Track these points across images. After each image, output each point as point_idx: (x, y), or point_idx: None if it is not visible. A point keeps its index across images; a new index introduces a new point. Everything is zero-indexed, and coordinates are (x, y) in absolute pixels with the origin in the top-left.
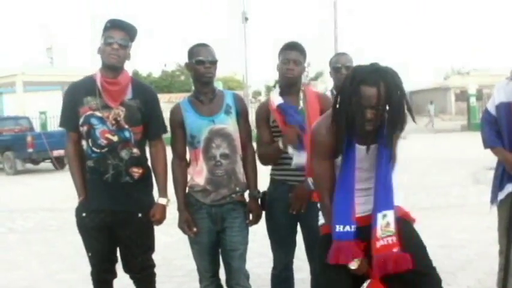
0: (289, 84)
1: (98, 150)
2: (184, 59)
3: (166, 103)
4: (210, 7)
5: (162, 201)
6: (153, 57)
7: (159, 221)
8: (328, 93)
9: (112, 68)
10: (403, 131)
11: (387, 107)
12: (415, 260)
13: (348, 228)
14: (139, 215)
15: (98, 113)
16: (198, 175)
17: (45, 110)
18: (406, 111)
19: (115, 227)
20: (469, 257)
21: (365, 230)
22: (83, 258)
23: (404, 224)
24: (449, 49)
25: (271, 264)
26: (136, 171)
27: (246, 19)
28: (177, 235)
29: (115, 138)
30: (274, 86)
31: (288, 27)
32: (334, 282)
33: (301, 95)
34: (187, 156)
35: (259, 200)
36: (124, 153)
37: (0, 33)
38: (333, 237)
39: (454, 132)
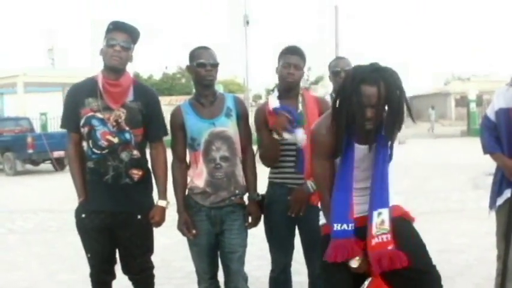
0: (289, 88)
1: (98, 152)
2: (185, 62)
3: (166, 105)
4: (211, 10)
5: (161, 203)
6: (154, 59)
7: (159, 223)
8: (328, 97)
9: (114, 70)
10: (400, 130)
11: (387, 106)
12: (414, 258)
13: (345, 226)
14: (139, 216)
15: (99, 115)
16: (198, 177)
17: (45, 111)
18: (405, 110)
19: (114, 228)
20: (468, 262)
21: (363, 230)
22: (82, 259)
23: (403, 223)
24: (449, 53)
25: (270, 267)
26: (136, 173)
27: (247, 23)
28: (177, 237)
29: (115, 140)
30: (273, 90)
31: (289, 31)
32: (336, 280)
33: (300, 98)
34: (188, 159)
35: (259, 202)
36: (124, 155)
37: (2, 35)
38: (331, 235)
39: (454, 138)
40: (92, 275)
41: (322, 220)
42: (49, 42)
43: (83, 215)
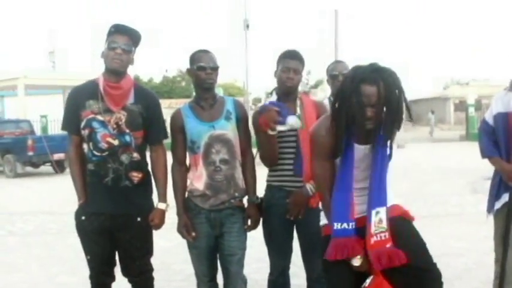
0: (287, 92)
1: (99, 154)
2: (185, 65)
3: (166, 108)
4: (211, 14)
5: (161, 206)
6: (155, 62)
7: (158, 226)
8: (326, 101)
9: (115, 73)
10: (399, 130)
11: (386, 106)
12: (415, 256)
13: (345, 225)
14: (139, 219)
15: (99, 117)
16: (198, 180)
17: (46, 114)
18: (404, 110)
19: (114, 231)
20: (467, 266)
21: (363, 230)
22: (82, 262)
23: (403, 222)
24: (449, 54)
25: (268, 270)
26: (136, 176)
27: (247, 27)
28: (176, 240)
29: (116, 142)
30: (271, 93)
31: (289, 35)
32: (337, 279)
33: (298, 102)
34: (187, 161)
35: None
36: (124, 157)
37: (2, 37)
38: (332, 234)
39: (453, 142)
40: (91, 277)
41: (323, 221)
42: (50, 43)
43: (83, 217)
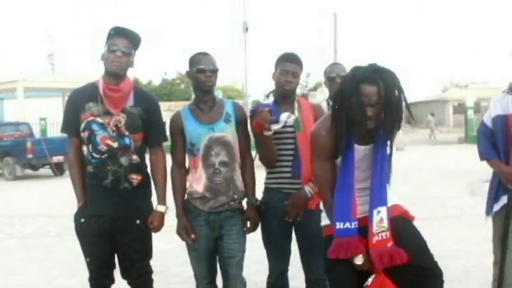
0: (286, 95)
1: (98, 156)
2: (184, 68)
3: (166, 111)
4: (210, 16)
5: (160, 208)
6: (154, 65)
7: (157, 228)
8: (324, 104)
9: (114, 75)
10: (399, 129)
11: (386, 106)
12: (416, 255)
13: (348, 225)
14: (138, 221)
15: (99, 119)
16: (197, 182)
17: (45, 116)
18: (403, 110)
19: (113, 233)
20: (466, 268)
21: (365, 230)
22: (82, 264)
23: (404, 221)
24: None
25: (267, 272)
26: (135, 178)
27: (247, 29)
28: (176, 242)
29: (115, 145)
30: (268, 96)
31: (288, 37)
32: (340, 278)
33: (296, 105)
34: (187, 164)
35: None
36: (123, 160)
37: (1, 39)
38: (334, 234)
39: (452, 145)
40: (90, 280)
41: (324, 221)
42: (49, 46)
43: (82, 220)
